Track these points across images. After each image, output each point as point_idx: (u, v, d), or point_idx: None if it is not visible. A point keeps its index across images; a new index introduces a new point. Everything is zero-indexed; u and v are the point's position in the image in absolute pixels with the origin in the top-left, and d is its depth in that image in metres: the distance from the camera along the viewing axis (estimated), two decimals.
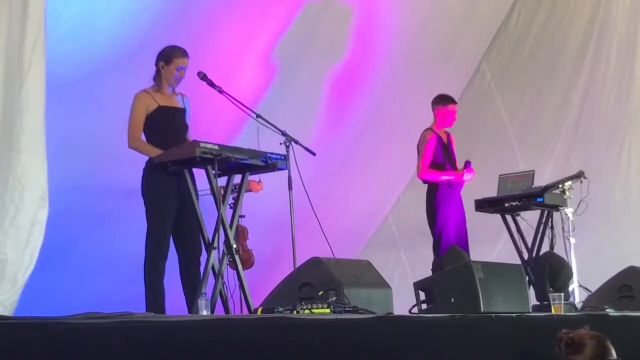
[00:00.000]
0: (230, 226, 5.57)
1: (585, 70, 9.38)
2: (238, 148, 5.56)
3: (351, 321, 4.22)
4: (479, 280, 5.27)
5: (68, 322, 3.21)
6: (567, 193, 7.39)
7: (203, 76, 5.90)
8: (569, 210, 7.37)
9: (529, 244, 7.47)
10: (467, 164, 7.31)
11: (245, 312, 5.60)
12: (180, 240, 5.70)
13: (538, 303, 6.87)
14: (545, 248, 7.43)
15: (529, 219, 7.65)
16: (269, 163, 5.63)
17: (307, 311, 4.74)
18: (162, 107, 5.75)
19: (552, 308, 5.99)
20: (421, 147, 7.33)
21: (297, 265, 5.66)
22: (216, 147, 5.33)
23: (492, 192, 7.59)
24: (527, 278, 6.30)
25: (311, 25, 8.13)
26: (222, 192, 5.62)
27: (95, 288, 6.86)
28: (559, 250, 7.38)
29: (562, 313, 5.93)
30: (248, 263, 7.22)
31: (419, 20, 8.92)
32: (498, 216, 7.64)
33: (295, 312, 4.74)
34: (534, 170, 7.62)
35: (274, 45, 8.02)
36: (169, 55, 5.77)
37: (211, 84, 5.93)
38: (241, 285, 5.61)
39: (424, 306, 5.54)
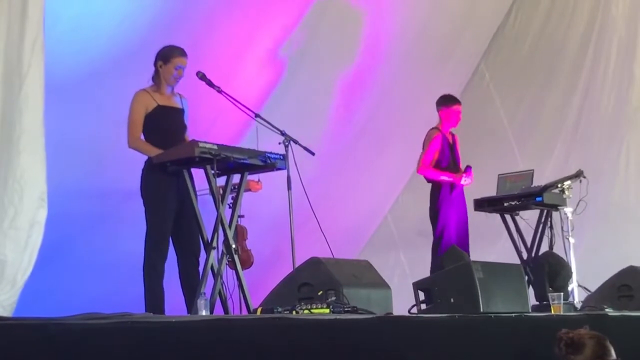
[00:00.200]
0: (230, 226, 5.57)
1: (584, 70, 9.38)
2: (237, 148, 5.56)
3: (350, 321, 4.22)
4: (479, 280, 5.27)
5: (67, 322, 3.21)
6: (567, 193, 7.39)
7: (202, 76, 5.90)
8: (568, 210, 7.37)
9: (528, 244, 7.47)
10: (467, 169, 7.34)
11: (245, 312, 5.60)
12: (179, 241, 5.70)
13: (537, 303, 6.88)
14: (544, 248, 7.44)
15: (528, 218, 7.65)
16: (268, 163, 5.63)
17: (306, 311, 4.74)
18: (161, 107, 5.74)
19: (552, 308, 5.99)
20: (426, 144, 7.37)
21: (297, 266, 5.66)
22: (215, 147, 5.33)
23: (491, 191, 7.60)
24: (526, 278, 6.30)
25: (316, 25, 8.13)
26: (221, 192, 5.61)
27: (95, 288, 6.86)
28: (558, 250, 7.38)
29: (562, 313, 5.93)
30: (247, 263, 7.22)
31: (418, 21, 8.93)
32: (497, 216, 7.64)
33: (294, 312, 4.73)
34: (533, 170, 7.62)
35: (280, 45, 8.03)
36: (167, 55, 5.77)
37: (210, 83, 5.93)
38: (240, 286, 5.61)
39: (423, 306, 5.54)
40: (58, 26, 5.95)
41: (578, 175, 7.43)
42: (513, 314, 5.24)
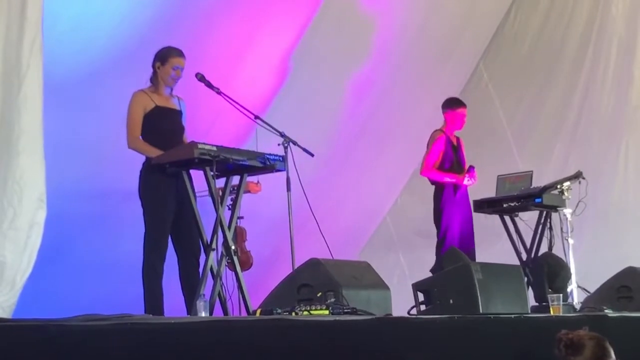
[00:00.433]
0: (229, 227, 5.57)
1: (584, 70, 9.37)
2: (236, 149, 5.56)
3: (350, 322, 4.22)
4: (478, 281, 5.27)
5: (67, 324, 3.21)
6: (566, 193, 7.39)
7: (201, 77, 5.90)
8: (567, 211, 7.37)
9: (528, 245, 7.47)
10: (471, 169, 7.35)
11: (244, 313, 5.60)
12: (179, 242, 5.69)
13: (537, 304, 6.87)
14: (543, 249, 7.44)
15: (528, 219, 7.65)
16: (267, 164, 5.63)
17: (305, 312, 4.73)
18: (159, 107, 5.74)
19: (551, 309, 5.99)
20: (430, 146, 7.38)
21: (296, 267, 5.66)
22: (214, 149, 5.33)
23: (490, 193, 7.60)
24: (525, 279, 6.30)
25: (318, 27, 8.13)
26: (221, 193, 5.61)
27: (94, 290, 6.86)
28: (557, 251, 7.38)
29: (561, 314, 5.93)
30: (247, 264, 7.22)
31: (417, 21, 8.92)
32: (496, 217, 7.64)
33: (293, 313, 4.73)
34: (532, 171, 7.63)
35: (280, 46, 8.03)
36: (164, 56, 5.77)
37: (209, 85, 5.92)
38: (240, 287, 5.61)
39: (422, 307, 5.53)
40: (57, 26, 5.94)
41: (577, 176, 7.43)
42: (512, 315, 5.24)
